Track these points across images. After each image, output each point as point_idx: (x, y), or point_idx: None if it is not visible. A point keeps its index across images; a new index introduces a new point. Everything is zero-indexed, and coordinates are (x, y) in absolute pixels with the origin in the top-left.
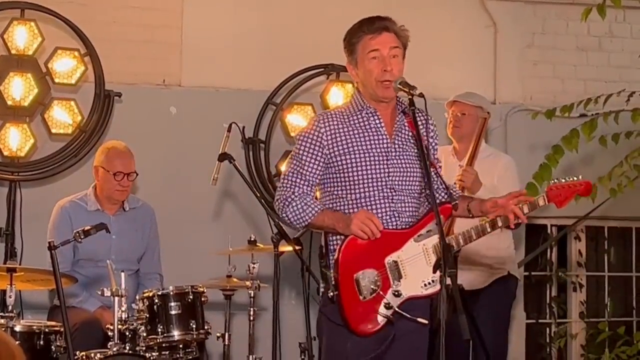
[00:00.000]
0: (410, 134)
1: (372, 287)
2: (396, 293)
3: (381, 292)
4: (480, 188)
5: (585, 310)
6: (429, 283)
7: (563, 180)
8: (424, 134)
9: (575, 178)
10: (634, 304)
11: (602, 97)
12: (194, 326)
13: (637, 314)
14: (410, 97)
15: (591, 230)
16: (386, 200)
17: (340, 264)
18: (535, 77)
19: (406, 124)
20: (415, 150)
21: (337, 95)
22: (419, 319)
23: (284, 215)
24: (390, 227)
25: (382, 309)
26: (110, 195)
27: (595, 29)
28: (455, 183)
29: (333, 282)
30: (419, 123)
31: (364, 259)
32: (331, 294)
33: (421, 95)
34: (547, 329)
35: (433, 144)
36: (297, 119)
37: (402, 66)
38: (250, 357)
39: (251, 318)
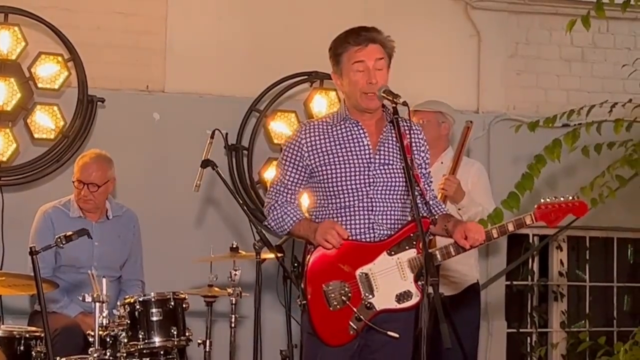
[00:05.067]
0: (398, 145)
1: (341, 298)
2: (368, 305)
3: (350, 304)
4: (463, 197)
5: (566, 319)
6: (403, 297)
7: (554, 199)
8: (413, 146)
9: (570, 197)
10: (615, 314)
11: (585, 108)
12: (175, 333)
13: (618, 324)
14: (393, 105)
15: (573, 240)
16: (365, 211)
17: (308, 273)
18: (519, 87)
19: (394, 135)
20: (401, 163)
21: (321, 103)
22: (389, 332)
23: (267, 222)
24: (368, 238)
25: (352, 321)
26: (77, 203)
27: (579, 40)
28: (437, 192)
29: (302, 291)
30: (404, 134)
31: (333, 270)
32: (299, 302)
33: (405, 103)
34: (528, 339)
35: (422, 155)
36: (280, 126)
37: (387, 77)
38: None
39: (232, 325)
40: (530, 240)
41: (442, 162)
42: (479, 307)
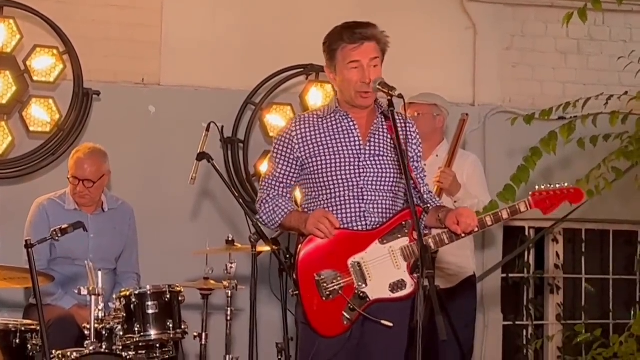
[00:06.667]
0: (389, 137)
1: (333, 288)
2: (362, 295)
3: (343, 294)
4: (459, 189)
5: (562, 312)
6: (397, 286)
7: (549, 186)
8: (403, 138)
9: (566, 184)
10: (611, 307)
11: (581, 100)
12: (170, 325)
13: (614, 317)
14: (389, 98)
15: (569, 232)
16: (356, 201)
17: (300, 263)
18: (515, 79)
19: (385, 127)
20: (391, 155)
21: (316, 96)
22: (383, 322)
23: (259, 216)
24: (359, 227)
25: (346, 311)
26: (73, 198)
27: (575, 32)
28: (433, 184)
29: (294, 282)
30: (399, 126)
31: (325, 260)
32: (292, 293)
33: (400, 96)
34: (524, 331)
35: (415, 149)
36: (276, 119)
37: (381, 74)
38: (227, 357)
39: (228, 318)
40: (526, 233)
41: (437, 155)
42: (476, 299)
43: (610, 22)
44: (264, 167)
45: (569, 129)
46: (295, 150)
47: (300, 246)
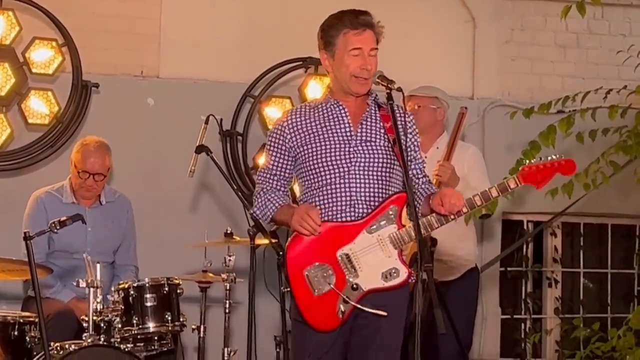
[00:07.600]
0: (381, 125)
1: (324, 281)
2: (354, 287)
3: (334, 287)
4: (458, 182)
5: (560, 306)
6: (390, 274)
7: (539, 160)
8: (402, 130)
9: (555, 156)
10: (609, 301)
11: (580, 94)
12: (169, 318)
13: (612, 311)
14: (388, 91)
15: (567, 226)
16: (346, 189)
17: (288, 259)
18: (514, 73)
19: (378, 115)
20: (383, 141)
21: (315, 89)
22: (377, 311)
23: (253, 210)
24: (349, 216)
25: (340, 304)
26: (77, 192)
27: (574, 26)
28: (432, 177)
29: (285, 278)
30: (398, 118)
31: (313, 254)
32: (283, 290)
33: (399, 89)
34: (522, 325)
35: (412, 139)
36: (275, 112)
37: (377, 64)
38: (226, 349)
39: (227, 311)
40: (525, 226)
41: (437, 147)
42: (477, 291)
43: (610, 16)
44: (262, 159)
45: (568, 123)
46: (287, 141)
47: (288, 242)
